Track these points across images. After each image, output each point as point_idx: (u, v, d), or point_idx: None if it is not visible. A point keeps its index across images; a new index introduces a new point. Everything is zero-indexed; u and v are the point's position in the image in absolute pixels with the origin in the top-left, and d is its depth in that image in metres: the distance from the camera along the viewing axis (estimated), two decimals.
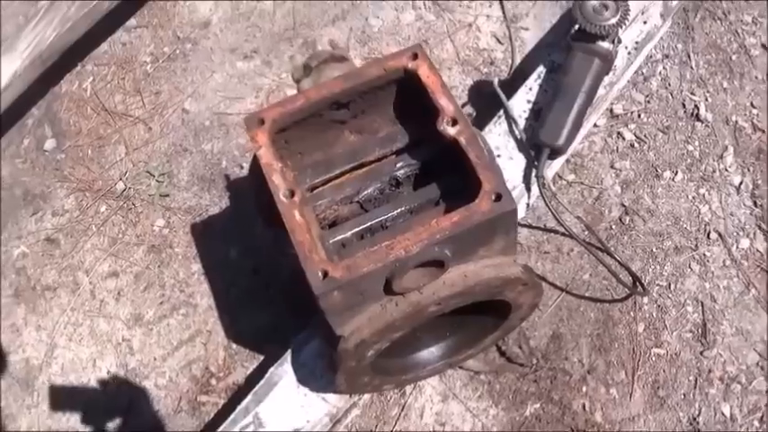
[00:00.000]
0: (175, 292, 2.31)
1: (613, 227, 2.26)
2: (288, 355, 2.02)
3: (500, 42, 2.56)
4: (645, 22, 2.27)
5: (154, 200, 2.43)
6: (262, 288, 2.28)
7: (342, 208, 1.80)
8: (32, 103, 2.61)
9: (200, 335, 2.26)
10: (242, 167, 2.44)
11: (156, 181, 2.45)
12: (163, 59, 2.65)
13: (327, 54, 1.89)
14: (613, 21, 2.08)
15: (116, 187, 2.47)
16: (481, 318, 1.93)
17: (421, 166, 1.83)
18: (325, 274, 1.56)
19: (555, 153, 2.12)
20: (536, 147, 2.12)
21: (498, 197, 1.61)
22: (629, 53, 2.24)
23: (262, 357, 2.22)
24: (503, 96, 2.20)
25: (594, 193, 2.31)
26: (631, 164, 2.33)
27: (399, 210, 1.76)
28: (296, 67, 1.91)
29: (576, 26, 2.13)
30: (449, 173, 1.77)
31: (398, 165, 1.82)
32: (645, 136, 2.36)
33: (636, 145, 2.35)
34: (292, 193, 1.65)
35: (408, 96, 1.82)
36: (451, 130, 1.68)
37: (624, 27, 2.09)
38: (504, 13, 2.59)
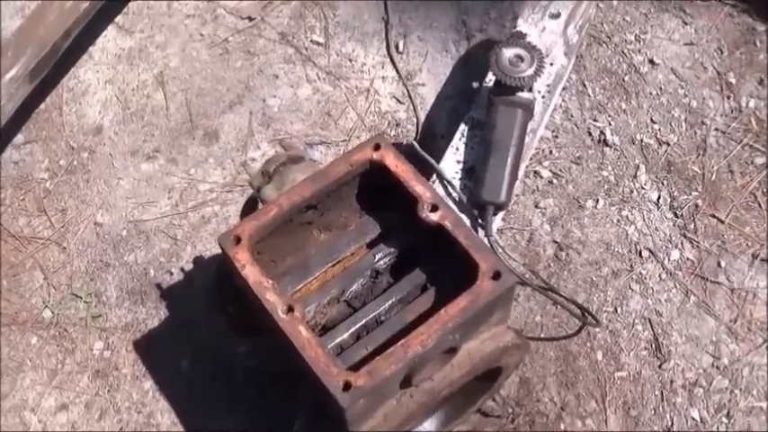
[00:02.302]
0: (133, 415, 2.22)
1: (551, 264, 2.31)
2: None
3: (400, 102, 2.57)
4: (551, 64, 2.32)
5: (86, 323, 2.32)
6: (223, 393, 2.22)
7: (330, 310, 1.79)
8: None
9: None
10: (171, 274, 2.36)
11: (84, 302, 2.35)
12: (62, 173, 2.53)
13: (284, 156, 1.87)
14: (531, 71, 2.12)
15: (42, 316, 2.35)
16: (469, 385, 1.93)
17: (398, 253, 1.83)
18: (347, 385, 1.54)
19: (498, 209, 2.15)
20: (478, 206, 2.14)
21: (498, 275, 1.63)
22: (543, 97, 2.29)
23: None
24: (432, 161, 2.21)
25: (526, 235, 2.35)
26: (554, 200, 2.39)
27: (390, 302, 1.77)
28: (254, 175, 1.88)
29: (494, 80, 2.16)
30: (429, 255, 1.78)
31: (377, 256, 1.82)
32: (560, 171, 2.42)
33: (554, 181, 2.41)
34: (291, 309, 1.62)
35: (370, 186, 1.82)
36: (434, 216, 1.70)
37: (542, 75, 2.13)
38: (398, 72, 2.61)
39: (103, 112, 2.64)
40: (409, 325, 1.69)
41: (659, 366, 2.19)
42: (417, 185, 1.73)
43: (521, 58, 2.14)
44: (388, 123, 2.55)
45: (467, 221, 2.14)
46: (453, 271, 1.71)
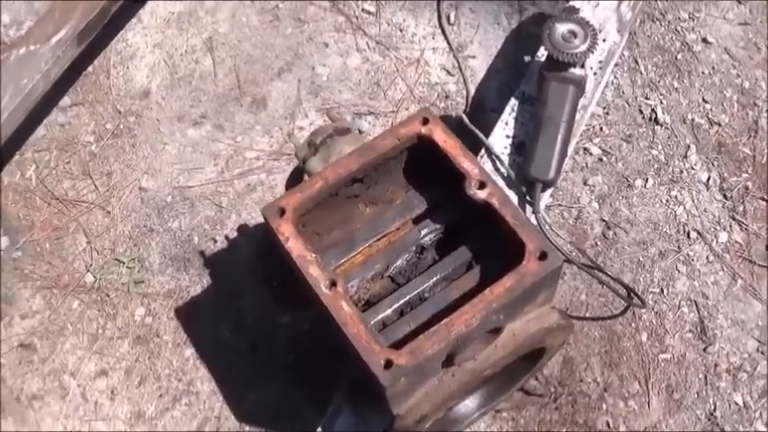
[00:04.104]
0: (173, 382, 2.22)
1: (599, 243, 2.28)
2: None
3: (450, 74, 2.54)
4: (604, 40, 2.28)
5: (128, 288, 2.33)
6: (263, 364, 2.21)
7: (373, 285, 1.77)
8: None
9: (209, 422, 2.18)
10: (215, 241, 2.36)
11: (127, 268, 2.35)
12: (107, 137, 2.53)
13: (331, 128, 1.85)
14: (584, 47, 2.08)
15: (85, 280, 2.35)
16: (512, 365, 1.91)
17: (444, 230, 1.81)
18: (389, 363, 1.53)
19: (546, 186, 2.12)
20: (527, 182, 2.11)
21: (544, 255, 1.61)
22: (594, 74, 2.25)
23: None
24: (481, 135, 2.18)
25: (574, 212, 2.32)
26: (603, 178, 2.35)
27: (434, 279, 1.75)
28: (299, 147, 1.86)
29: (546, 55, 2.13)
30: (475, 232, 1.76)
31: (423, 232, 1.80)
32: (610, 148, 2.39)
33: (604, 158, 2.37)
34: (334, 283, 1.61)
35: (418, 160, 1.80)
36: (481, 194, 1.67)
37: (595, 52, 2.09)
38: (449, 43, 2.57)
39: (151, 77, 2.62)
40: (453, 303, 1.67)
41: (704, 350, 2.16)
42: (465, 161, 1.71)
43: (574, 34, 2.10)
44: (438, 95, 2.52)
45: (515, 198, 2.12)
46: (499, 249, 1.68)
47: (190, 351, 2.26)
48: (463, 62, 2.55)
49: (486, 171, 1.71)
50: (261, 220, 2.23)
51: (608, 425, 2.10)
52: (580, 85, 2.15)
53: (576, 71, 2.13)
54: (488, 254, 1.74)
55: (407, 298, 1.73)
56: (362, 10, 2.66)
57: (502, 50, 2.56)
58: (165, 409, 2.20)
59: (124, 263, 2.36)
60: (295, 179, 2.12)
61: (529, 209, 2.11)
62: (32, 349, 2.29)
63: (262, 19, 2.68)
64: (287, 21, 2.67)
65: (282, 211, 1.68)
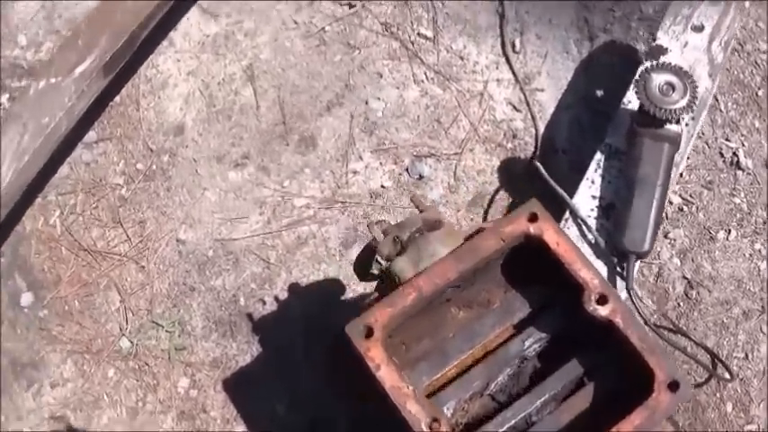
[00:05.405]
0: None
1: (681, 304, 2.13)
2: None
3: (517, 110, 2.33)
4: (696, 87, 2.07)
5: (169, 355, 2.14)
6: None
7: (472, 405, 1.57)
8: None
9: None
10: (264, 303, 2.17)
11: (167, 332, 2.16)
12: (139, 179, 2.31)
13: (419, 221, 1.62)
14: (683, 102, 1.89)
15: (120, 344, 2.17)
16: None
17: (550, 338, 1.61)
18: None
19: (639, 258, 1.93)
20: (619, 254, 1.93)
21: (676, 385, 1.43)
22: (686, 125, 2.05)
23: None
24: (565, 196, 1.99)
25: (654, 269, 2.16)
26: (684, 230, 2.19)
27: (543, 399, 1.55)
28: (384, 243, 1.63)
29: (639, 107, 1.92)
30: (587, 341, 1.56)
31: (526, 343, 1.60)
32: (691, 196, 2.22)
33: (684, 208, 2.21)
34: (436, 421, 1.41)
35: (521, 257, 1.59)
36: (603, 310, 1.49)
37: (695, 107, 1.89)
38: (515, 75, 2.35)
39: (185, 109, 2.39)
40: (565, 429, 1.49)
41: None
42: (583, 269, 1.51)
43: (672, 87, 1.90)
44: (504, 134, 2.32)
45: (604, 269, 1.93)
46: (616, 365, 1.49)
47: (241, 429, 2.10)
48: (530, 96, 2.34)
49: (607, 282, 1.51)
50: (313, 278, 2.07)
51: None
52: (675, 142, 1.96)
53: (672, 127, 1.93)
54: (603, 369, 1.54)
55: (513, 422, 1.53)
56: (418, 35, 2.43)
57: (572, 83, 2.36)
58: None
59: (163, 326, 2.17)
60: (365, 259, 1.88)
61: (620, 282, 1.92)
62: (65, 422, 2.12)
63: (307, 44, 2.43)
64: (335, 46, 2.43)
65: (370, 331, 1.47)
